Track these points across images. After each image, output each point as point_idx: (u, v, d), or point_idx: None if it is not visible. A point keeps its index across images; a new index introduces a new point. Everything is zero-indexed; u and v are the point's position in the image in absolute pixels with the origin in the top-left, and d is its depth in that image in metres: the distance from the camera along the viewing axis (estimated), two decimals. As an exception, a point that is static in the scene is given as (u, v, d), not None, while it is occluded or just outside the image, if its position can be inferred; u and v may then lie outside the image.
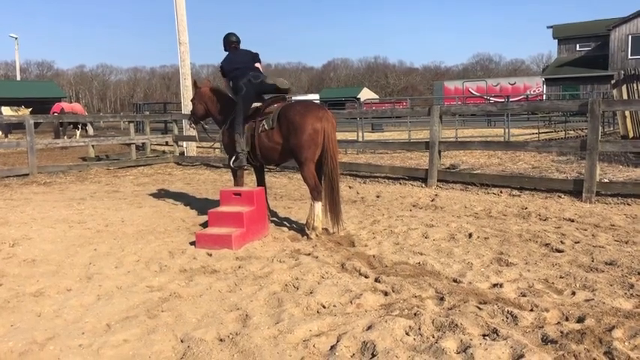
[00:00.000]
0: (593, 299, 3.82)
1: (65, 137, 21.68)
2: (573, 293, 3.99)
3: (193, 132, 7.60)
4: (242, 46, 6.87)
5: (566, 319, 3.51)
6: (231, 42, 6.78)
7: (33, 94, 46.93)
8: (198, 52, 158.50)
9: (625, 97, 14.39)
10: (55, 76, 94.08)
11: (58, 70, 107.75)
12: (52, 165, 13.58)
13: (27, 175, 11.87)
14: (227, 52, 6.79)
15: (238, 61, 6.64)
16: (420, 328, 3.37)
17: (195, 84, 7.18)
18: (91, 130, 24.84)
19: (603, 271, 4.48)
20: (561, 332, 3.27)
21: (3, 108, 28.23)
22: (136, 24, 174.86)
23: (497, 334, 3.24)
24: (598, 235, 5.69)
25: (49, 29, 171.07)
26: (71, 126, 24.48)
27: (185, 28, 15.46)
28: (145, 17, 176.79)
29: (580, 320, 3.46)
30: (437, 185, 9.34)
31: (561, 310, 3.63)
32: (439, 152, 9.59)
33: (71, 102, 40.96)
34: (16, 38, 50.97)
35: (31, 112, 23.87)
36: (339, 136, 6.54)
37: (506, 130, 18.30)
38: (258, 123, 6.28)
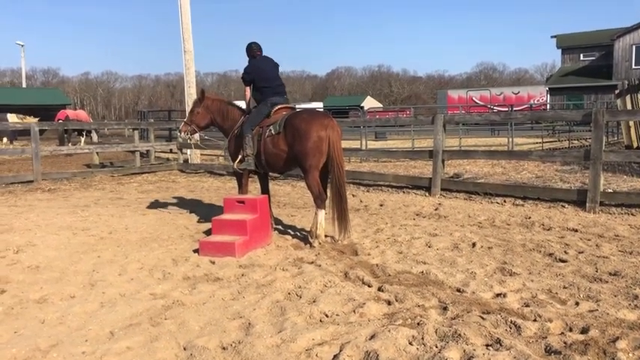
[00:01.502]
0: (597, 310, 3.81)
1: (70, 144, 21.78)
2: (577, 304, 3.97)
3: (189, 141, 7.47)
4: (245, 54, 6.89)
5: (570, 330, 3.50)
6: (254, 50, 6.75)
7: (38, 101, 47.23)
8: (203, 60, 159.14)
9: (629, 107, 14.38)
10: (60, 83, 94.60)
11: (63, 77, 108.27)
12: (56, 172, 13.63)
13: (31, 181, 11.92)
14: (249, 60, 6.75)
15: (265, 69, 6.62)
16: (423, 338, 3.36)
17: (202, 93, 7.16)
18: (95, 137, 24.92)
19: (607, 282, 4.47)
20: (565, 343, 3.26)
21: (9, 115, 28.39)
22: (142, 32, 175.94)
23: (501, 344, 3.23)
24: (602, 246, 5.68)
25: (55, 36, 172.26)
26: (76, 133, 24.58)
27: (190, 36, 15.55)
28: (150, 25, 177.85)
29: (584, 331, 3.45)
30: (440, 194, 9.33)
31: (565, 320, 3.62)
32: (443, 161, 9.59)
33: (76, 109, 41.19)
34: (22, 46, 51.34)
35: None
36: (343, 144, 6.55)
37: (510, 140, 18.28)
38: (264, 129, 6.32)
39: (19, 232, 6.86)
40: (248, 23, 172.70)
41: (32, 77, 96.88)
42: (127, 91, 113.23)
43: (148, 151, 16.13)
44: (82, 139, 24.44)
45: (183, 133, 7.19)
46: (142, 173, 14.01)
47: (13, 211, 8.48)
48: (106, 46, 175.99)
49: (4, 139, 28.24)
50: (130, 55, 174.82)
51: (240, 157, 6.53)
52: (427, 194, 9.45)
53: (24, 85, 56.96)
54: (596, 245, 5.71)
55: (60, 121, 23.03)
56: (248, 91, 6.70)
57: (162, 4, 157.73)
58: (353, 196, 9.56)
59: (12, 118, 27.53)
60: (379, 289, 4.40)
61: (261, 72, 6.59)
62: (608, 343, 3.24)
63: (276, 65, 6.80)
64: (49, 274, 4.98)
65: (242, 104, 7.19)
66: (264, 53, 6.82)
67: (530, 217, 7.29)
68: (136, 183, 12.44)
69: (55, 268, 5.18)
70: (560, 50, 45.42)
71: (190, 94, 15.46)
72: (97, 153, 16.13)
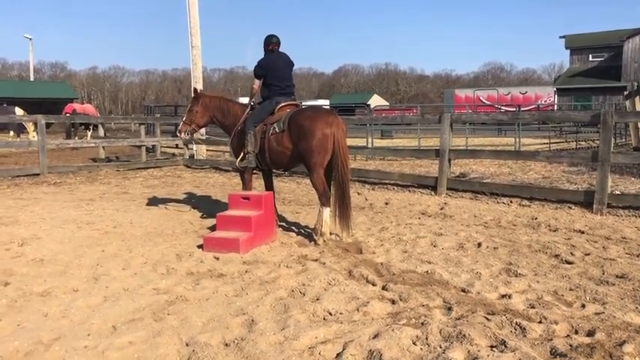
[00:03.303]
0: (603, 313, 3.77)
1: (76, 138, 21.83)
2: (583, 306, 3.93)
3: (187, 137, 7.22)
4: (254, 50, 6.84)
5: (576, 333, 3.46)
6: (271, 43, 6.63)
7: (46, 95, 47.44)
8: (210, 56, 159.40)
9: (638, 108, 14.29)
10: (67, 77, 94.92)
11: (70, 71, 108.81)
12: (62, 165, 13.67)
13: (37, 174, 11.95)
14: (266, 52, 6.63)
15: (280, 67, 6.53)
16: (427, 338, 3.34)
17: (196, 91, 7.13)
18: (101, 132, 24.99)
19: (614, 285, 4.42)
20: (570, 346, 3.22)
21: (16, 108, 28.47)
22: (149, 27, 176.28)
23: (506, 346, 3.20)
24: (609, 248, 5.63)
25: (63, 30, 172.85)
26: (82, 127, 24.62)
27: (197, 31, 15.55)
28: (157, 20, 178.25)
29: (590, 334, 3.41)
30: (446, 193, 9.29)
31: (571, 322, 3.58)
32: (449, 160, 9.54)
33: (83, 103, 41.31)
34: (30, 39, 51.54)
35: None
36: (349, 142, 6.51)
37: (517, 140, 18.20)
38: (268, 126, 6.29)
39: (24, 224, 6.87)
40: (255, 20, 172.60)
41: (40, 71, 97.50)
42: (134, 86, 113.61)
43: (154, 146, 16.16)
44: (89, 133, 24.50)
45: (183, 134, 7.03)
46: (148, 168, 14.02)
47: (18, 204, 8.49)
48: (113, 41, 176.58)
49: (11, 132, 28.35)
50: (137, 49, 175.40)
51: (242, 154, 6.50)
52: (433, 193, 9.40)
53: (32, 79, 57.21)
54: (603, 247, 5.66)
55: (67, 114, 23.10)
56: (257, 84, 6.57)
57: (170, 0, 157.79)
58: (358, 194, 9.54)
59: (19, 111, 27.60)
60: (383, 288, 4.37)
61: (275, 69, 6.49)
62: (615, 347, 3.20)
63: (291, 65, 6.70)
64: (53, 268, 4.99)
65: (244, 100, 7.13)
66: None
67: (536, 218, 7.24)
68: (141, 178, 12.45)
69: (59, 262, 5.18)
70: (568, 51, 45.23)
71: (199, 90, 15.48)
72: (103, 147, 16.14)
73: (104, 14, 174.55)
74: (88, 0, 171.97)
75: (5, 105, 31.79)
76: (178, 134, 7.31)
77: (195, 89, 7.22)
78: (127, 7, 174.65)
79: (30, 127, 23.84)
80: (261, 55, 6.71)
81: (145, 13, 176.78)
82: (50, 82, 67.34)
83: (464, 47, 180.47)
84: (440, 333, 3.42)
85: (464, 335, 3.33)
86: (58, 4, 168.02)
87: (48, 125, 15.71)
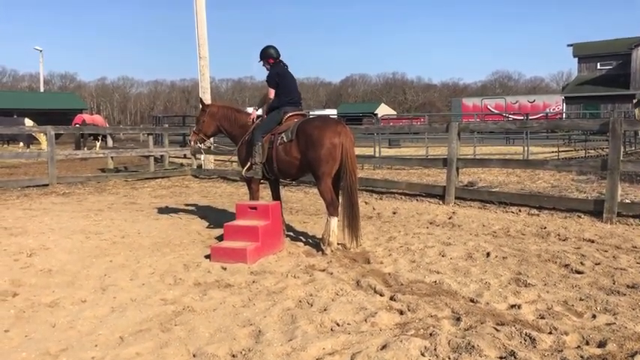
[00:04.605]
0: (614, 323, 3.72)
1: (85, 148, 21.98)
2: (594, 316, 3.89)
3: (197, 146, 7.49)
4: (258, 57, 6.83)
5: (587, 344, 3.42)
6: (272, 56, 6.68)
7: (55, 106, 47.88)
8: (218, 66, 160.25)
9: (647, 116, 14.19)
10: (77, 88, 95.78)
11: (80, 82, 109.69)
12: (71, 175, 13.74)
13: (47, 185, 12.03)
14: (272, 65, 6.68)
15: (289, 78, 6.63)
16: (435, 349, 3.31)
17: (201, 102, 7.26)
18: (110, 142, 25.14)
19: (625, 295, 4.37)
20: (581, 357, 3.18)
21: (26, 120, 28.75)
22: (158, 38, 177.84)
23: (515, 357, 3.16)
24: (619, 257, 5.57)
25: (73, 42, 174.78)
26: (91, 137, 24.80)
27: (205, 42, 15.66)
28: (166, 31, 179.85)
29: (601, 345, 3.37)
30: (454, 203, 9.25)
31: (581, 333, 3.54)
32: (457, 169, 9.51)
33: (92, 114, 41.66)
34: (40, 51, 52.07)
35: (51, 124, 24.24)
36: (356, 151, 6.50)
37: (526, 149, 18.12)
38: (276, 136, 6.31)
39: (32, 235, 6.91)
40: (263, 30, 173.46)
41: (50, 82, 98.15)
42: (142, 97, 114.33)
43: (162, 156, 16.23)
44: (98, 144, 24.66)
45: (193, 142, 7.31)
46: (156, 178, 14.07)
47: (27, 215, 8.54)
48: (122, 52, 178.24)
49: (21, 143, 28.62)
50: (146, 61, 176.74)
51: (248, 164, 6.52)
52: (441, 202, 9.37)
53: (42, 90, 57.69)
54: (614, 257, 5.60)
55: (77, 125, 23.29)
56: (273, 93, 6.57)
57: (178, 11, 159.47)
58: (366, 203, 9.51)
59: (29, 122, 27.86)
60: (391, 299, 4.35)
61: (286, 81, 6.58)
62: (626, 358, 3.16)
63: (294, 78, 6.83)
64: (61, 278, 5.00)
65: (250, 110, 7.21)
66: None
67: (545, 227, 7.19)
68: (149, 188, 12.49)
69: (67, 272, 5.20)
70: (576, 59, 45.11)
71: (205, 100, 15.56)
72: (111, 157, 16.25)
73: (113, 26, 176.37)
74: (97, 12, 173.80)
75: (15, 116, 32.14)
76: (189, 143, 7.54)
77: (200, 99, 7.31)
78: (135, 18, 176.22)
79: (42, 138, 24.09)
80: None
81: (154, 24, 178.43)
82: (60, 93, 68.03)
83: (471, 56, 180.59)
84: (448, 344, 3.38)
85: (473, 346, 3.30)
86: (68, 16, 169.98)
87: (57, 136, 15.84)
